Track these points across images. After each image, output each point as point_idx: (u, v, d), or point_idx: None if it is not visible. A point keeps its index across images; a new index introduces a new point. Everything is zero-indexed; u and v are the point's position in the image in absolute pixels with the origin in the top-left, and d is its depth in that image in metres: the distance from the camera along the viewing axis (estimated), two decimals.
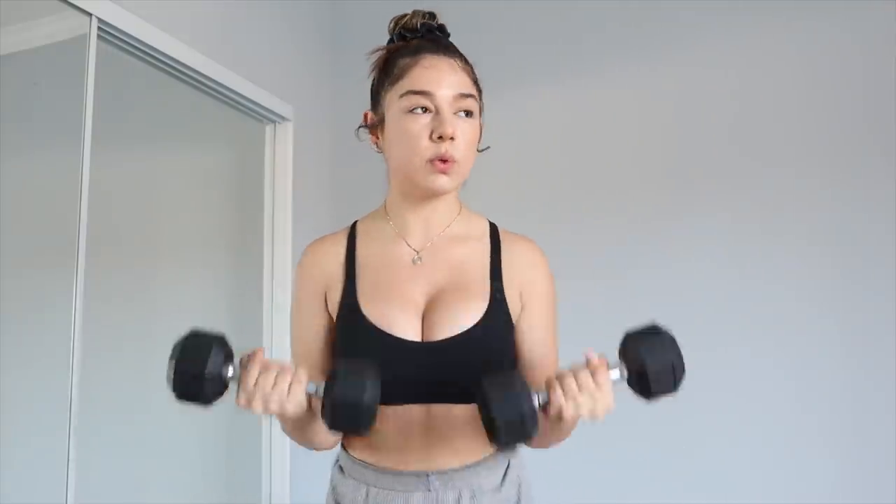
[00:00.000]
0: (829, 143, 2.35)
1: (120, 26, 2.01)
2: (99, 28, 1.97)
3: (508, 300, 1.11)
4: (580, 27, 2.72)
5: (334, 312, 1.12)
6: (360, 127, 1.18)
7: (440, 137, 1.05)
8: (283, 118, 2.68)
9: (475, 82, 1.13)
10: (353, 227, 1.20)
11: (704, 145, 2.50)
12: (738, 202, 2.43)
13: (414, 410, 1.05)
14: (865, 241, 2.27)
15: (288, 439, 2.50)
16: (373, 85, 1.16)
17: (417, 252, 1.13)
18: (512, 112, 2.76)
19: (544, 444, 1.11)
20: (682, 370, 0.97)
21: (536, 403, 0.93)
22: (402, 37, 1.14)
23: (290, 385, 0.95)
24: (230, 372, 0.97)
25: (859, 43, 2.35)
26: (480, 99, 1.13)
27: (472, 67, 1.14)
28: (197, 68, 2.28)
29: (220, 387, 0.96)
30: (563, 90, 2.72)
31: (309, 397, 0.97)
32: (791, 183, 2.38)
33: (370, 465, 1.09)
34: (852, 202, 2.30)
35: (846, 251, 2.29)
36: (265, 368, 0.96)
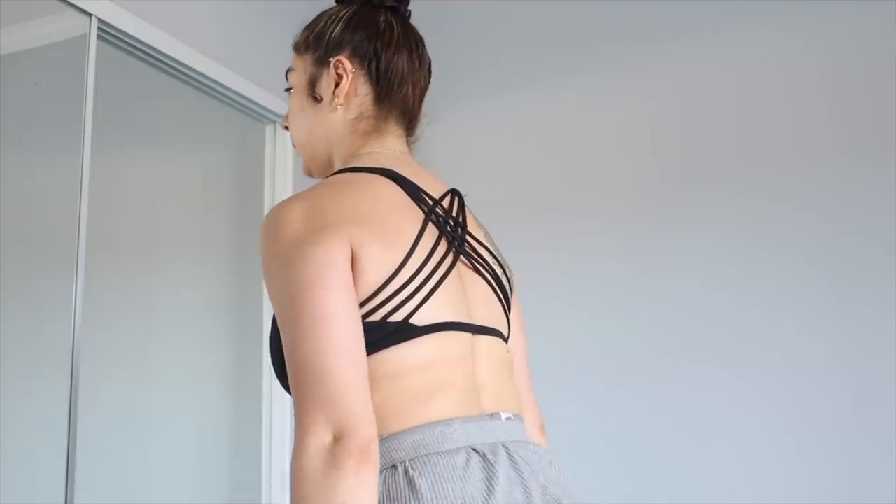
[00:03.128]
0: (828, 144, 2.36)
1: (120, 26, 2.01)
2: (99, 28, 1.96)
3: None
4: (574, 28, 2.72)
5: None
6: None
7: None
8: (283, 118, 2.68)
9: (302, 42, 1.13)
10: None
11: (702, 146, 2.50)
12: (735, 203, 2.43)
13: None
14: (864, 242, 2.27)
15: (288, 440, 2.51)
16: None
17: None
18: (505, 114, 2.76)
19: None
20: None
21: None
22: None
23: None
24: None
25: (859, 43, 2.35)
26: (309, 48, 1.12)
27: (305, 32, 1.14)
28: (197, 68, 2.28)
29: None
30: (556, 92, 2.72)
31: None
32: (789, 183, 2.37)
33: None
34: (852, 203, 2.30)
35: (846, 251, 2.29)
36: None
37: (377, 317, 0.90)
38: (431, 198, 1.02)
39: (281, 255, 0.89)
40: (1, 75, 2.03)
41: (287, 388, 0.90)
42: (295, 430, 0.84)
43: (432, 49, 1.16)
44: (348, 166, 1.05)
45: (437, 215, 1.01)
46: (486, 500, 0.86)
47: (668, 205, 2.51)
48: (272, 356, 0.97)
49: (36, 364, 2.07)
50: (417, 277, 0.93)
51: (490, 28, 2.79)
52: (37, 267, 2.14)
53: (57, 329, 1.87)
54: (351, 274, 0.89)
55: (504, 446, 0.92)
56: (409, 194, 1.00)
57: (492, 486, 0.87)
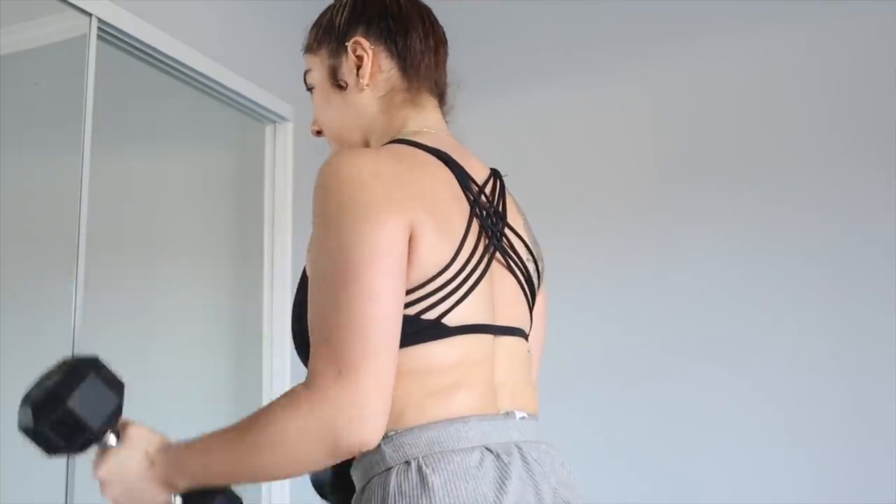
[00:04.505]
0: (828, 144, 2.35)
1: (120, 26, 2.01)
2: (99, 28, 1.96)
3: None
4: (575, 28, 2.72)
5: None
6: None
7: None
8: (283, 118, 2.68)
9: (313, 40, 1.12)
10: None
11: (703, 146, 2.50)
12: (736, 203, 2.43)
13: None
14: (864, 242, 2.27)
15: None
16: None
17: None
18: (506, 114, 2.76)
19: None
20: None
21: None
22: None
23: None
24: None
25: (859, 43, 2.35)
26: (322, 43, 1.11)
27: (313, 30, 1.13)
28: (197, 68, 2.28)
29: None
30: (558, 92, 2.72)
31: None
32: (790, 183, 2.37)
33: None
34: (852, 203, 2.30)
35: (846, 251, 2.28)
36: None
37: (411, 311, 0.89)
38: (477, 184, 1.01)
39: (339, 216, 0.87)
40: (1, 75, 2.02)
41: (303, 358, 0.90)
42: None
43: None
44: (403, 138, 1.02)
45: (481, 207, 0.99)
46: (497, 499, 0.86)
47: (670, 205, 2.51)
48: (295, 320, 0.95)
49: (36, 364, 2.05)
50: (459, 277, 0.92)
51: (492, 28, 2.79)
52: (37, 267, 2.13)
53: (57, 329, 1.87)
54: (406, 257, 0.87)
55: (517, 446, 0.92)
56: (459, 181, 0.98)
57: (504, 486, 0.87)
